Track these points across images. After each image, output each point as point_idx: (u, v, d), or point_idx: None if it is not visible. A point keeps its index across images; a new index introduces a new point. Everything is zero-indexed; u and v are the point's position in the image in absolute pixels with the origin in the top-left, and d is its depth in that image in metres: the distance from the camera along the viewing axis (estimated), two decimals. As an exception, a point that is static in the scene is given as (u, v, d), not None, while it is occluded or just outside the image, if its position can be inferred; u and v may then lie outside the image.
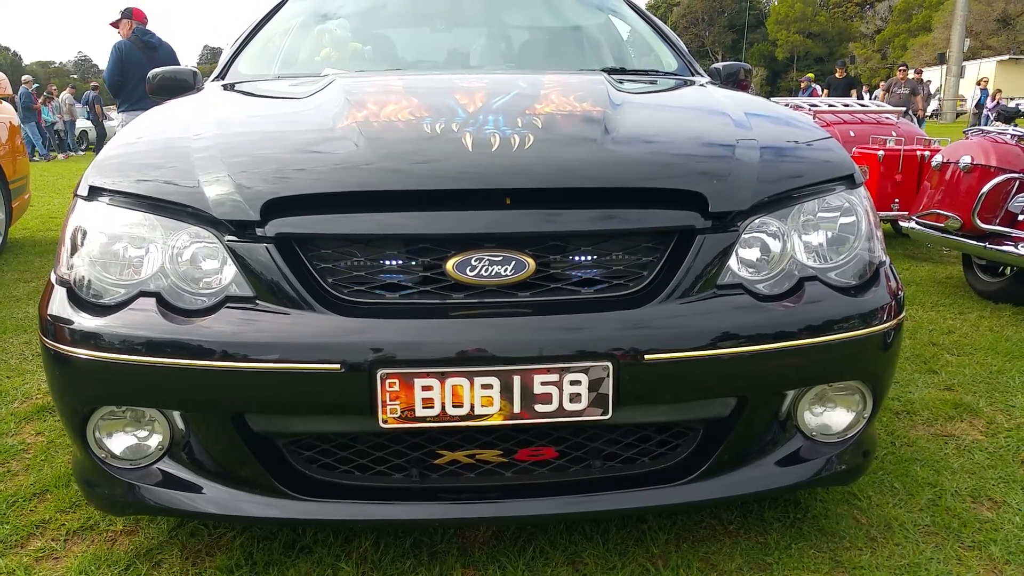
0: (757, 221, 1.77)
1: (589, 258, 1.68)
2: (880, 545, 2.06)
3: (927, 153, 5.71)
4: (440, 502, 1.67)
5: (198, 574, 1.92)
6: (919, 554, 2.02)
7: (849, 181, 1.91)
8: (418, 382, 1.55)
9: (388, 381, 1.54)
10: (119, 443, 1.72)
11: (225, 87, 2.73)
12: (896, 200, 5.80)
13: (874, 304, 1.79)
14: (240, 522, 1.88)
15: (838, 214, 1.87)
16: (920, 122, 15.61)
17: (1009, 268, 4.42)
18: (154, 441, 1.72)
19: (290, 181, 1.68)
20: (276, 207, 1.63)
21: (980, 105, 23.98)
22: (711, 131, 2.02)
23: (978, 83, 26.39)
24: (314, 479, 1.71)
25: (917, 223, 4.80)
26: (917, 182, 5.72)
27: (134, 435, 1.73)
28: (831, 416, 1.88)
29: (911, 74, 16.56)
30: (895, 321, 1.84)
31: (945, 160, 4.62)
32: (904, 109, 8.85)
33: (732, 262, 1.72)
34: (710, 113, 2.26)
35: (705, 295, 1.68)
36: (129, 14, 6.62)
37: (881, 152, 5.73)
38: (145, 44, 6.54)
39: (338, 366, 1.54)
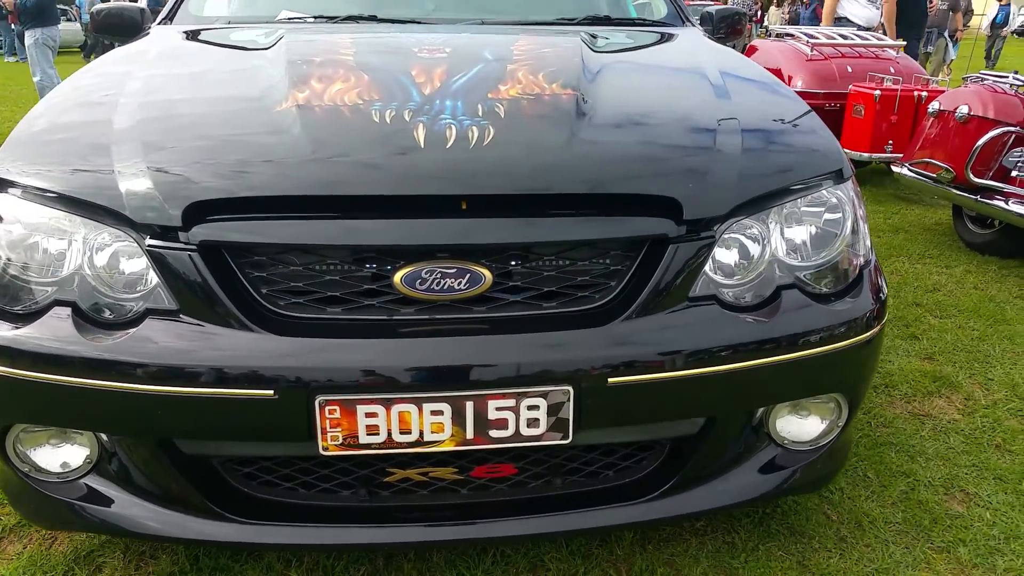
0: (736, 224, 1.65)
1: (552, 270, 1.57)
2: (850, 546, 2.03)
3: (925, 94, 5.54)
4: (391, 525, 1.60)
5: (140, 582, 1.86)
6: (888, 557, 2.00)
7: (838, 176, 1.79)
8: (361, 408, 1.45)
9: (328, 408, 1.45)
10: (42, 457, 1.63)
11: (168, 35, 2.52)
12: (890, 142, 5.66)
13: (856, 312, 1.70)
14: (171, 542, 1.81)
15: (823, 211, 1.76)
16: (955, 45, 13.12)
17: (998, 221, 4.34)
18: (79, 455, 1.62)
19: (217, 181, 1.53)
20: (201, 210, 1.49)
21: (997, 25, 17.59)
22: (691, 113, 1.87)
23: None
24: (253, 498, 1.63)
25: (909, 170, 4.68)
26: (913, 123, 5.57)
27: (58, 449, 1.63)
28: (804, 425, 1.82)
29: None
30: (878, 328, 1.75)
31: (942, 108, 4.46)
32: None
33: (707, 268, 1.61)
34: (692, 85, 2.10)
35: (676, 308, 1.58)
36: None
37: (877, 92, 5.55)
38: None
39: (271, 392, 1.44)
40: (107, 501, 1.63)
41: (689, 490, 1.70)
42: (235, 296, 1.50)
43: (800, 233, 1.73)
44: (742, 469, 1.75)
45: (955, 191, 4.37)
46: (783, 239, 1.70)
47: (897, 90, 5.61)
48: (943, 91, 5.01)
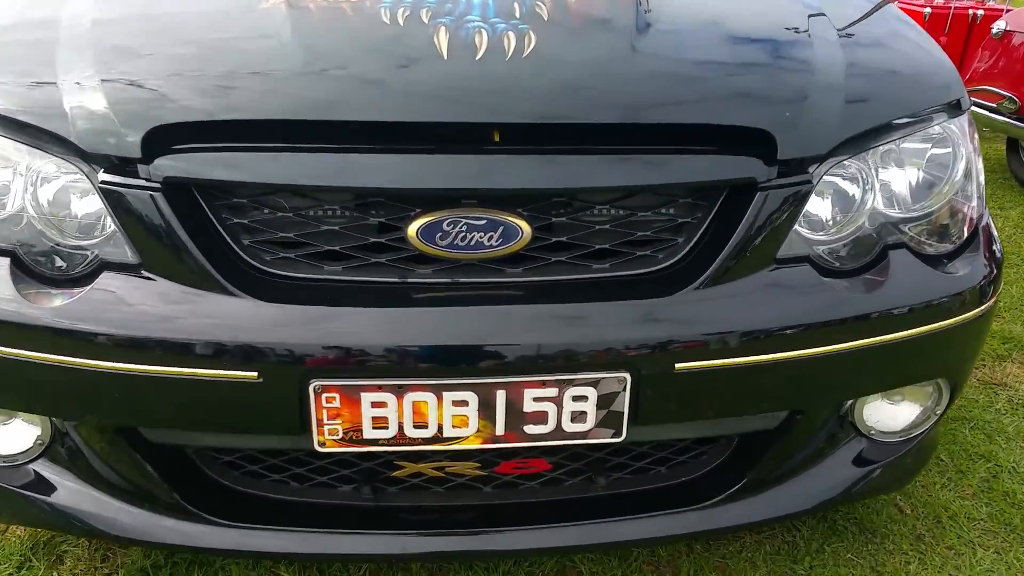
0: (836, 165, 1.32)
1: (605, 222, 1.25)
2: (929, 548, 1.76)
3: (980, 12, 5.07)
4: (399, 532, 1.32)
5: (108, 575, 1.60)
6: (976, 564, 1.72)
7: (954, 108, 1.45)
8: (367, 397, 1.16)
9: (326, 396, 1.15)
10: (-19, 436, 1.34)
11: None
12: (940, 65, 5.22)
13: (974, 278, 1.39)
14: (134, 544, 1.54)
15: (933, 150, 1.42)
16: None
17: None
18: (28, 436, 1.34)
19: (186, 99, 1.21)
20: (165, 137, 1.17)
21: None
22: (781, 24, 1.50)
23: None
24: (234, 492, 1.35)
25: (964, 100, 4.27)
26: (964, 45, 5.12)
27: (1, 427, 1.34)
28: (896, 412, 1.52)
29: None
30: (994, 299, 1.43)
31: (1008, 28, 4.03)
32: None
33: (798, 224, 1.29)
34: None
35: (762, 274, 1.26)
36: None
37: (928, 9, 5.09)
38: None
39: (254, 374, 1.13)
40: (58, 492, 1.34)
41: (759, 493, 1.41)
42: (209, 248, 1.19)
43: (905, 178, 1.40)
44: (822, 467, 1.47)
45: (1018, 124, 3.97)
46: (884, 185, 1.37)
47: (950, 7, 5.14)
48: (1002, 10, 4.56)
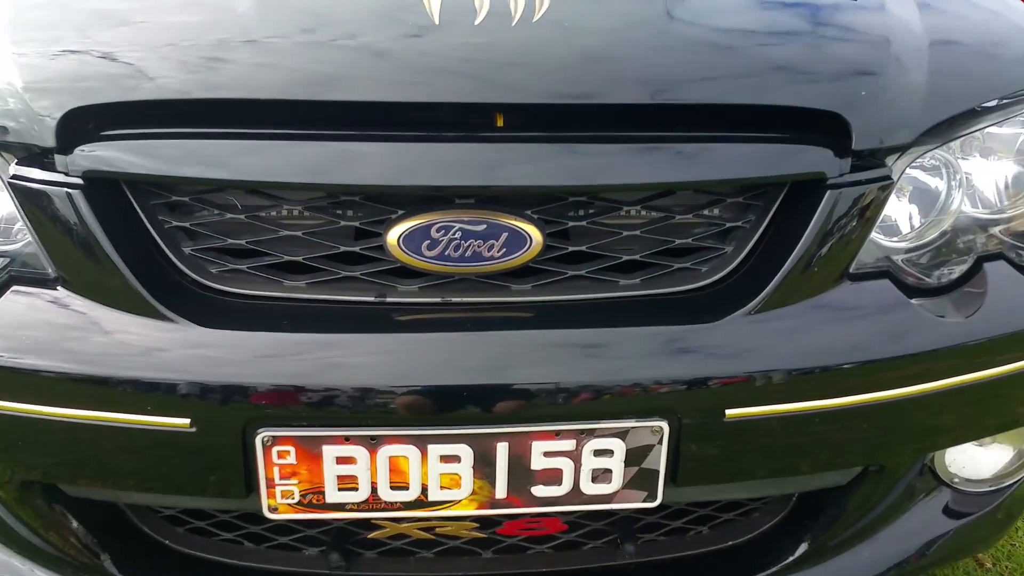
0: (917, 158, 1.06)
1: (635, 227, 1.01)
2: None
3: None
4: None
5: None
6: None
7: None
8: (330, 451, 0.91)
9: (277, 450, 0.90)
10: None
11: None
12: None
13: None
14: None
15: None
16: None
17: None
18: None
19: (115, 75, 0.97)
20: (88, 122, 0.94)
21: None
22: None
23: None
24: (174, 555, 1.10)
25: None
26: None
27: None
28: (985, 457, 1.26)
29: None
30: None
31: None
32: None
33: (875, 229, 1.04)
34: None
35: (832, 293, 1.01)
36: None
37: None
38: None
39: (186, 422, 0.89)
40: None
41: (822, 562, 1.14)
42: (138, 259, 0.96)
43: (999, 171, 1.14)
44: (896, 526, 1.20)
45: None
46: (971, 180, 1.13)
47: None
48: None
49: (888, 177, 1.03)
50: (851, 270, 1.04)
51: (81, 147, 0.93)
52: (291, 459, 0.91)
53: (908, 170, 1.08)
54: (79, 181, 0.93)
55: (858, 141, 1.00)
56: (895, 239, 1.10)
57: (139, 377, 0.91)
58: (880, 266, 1.07)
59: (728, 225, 1.04)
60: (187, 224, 0.99)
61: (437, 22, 0.99)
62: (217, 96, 0.94)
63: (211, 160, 0.93)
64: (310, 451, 0.91)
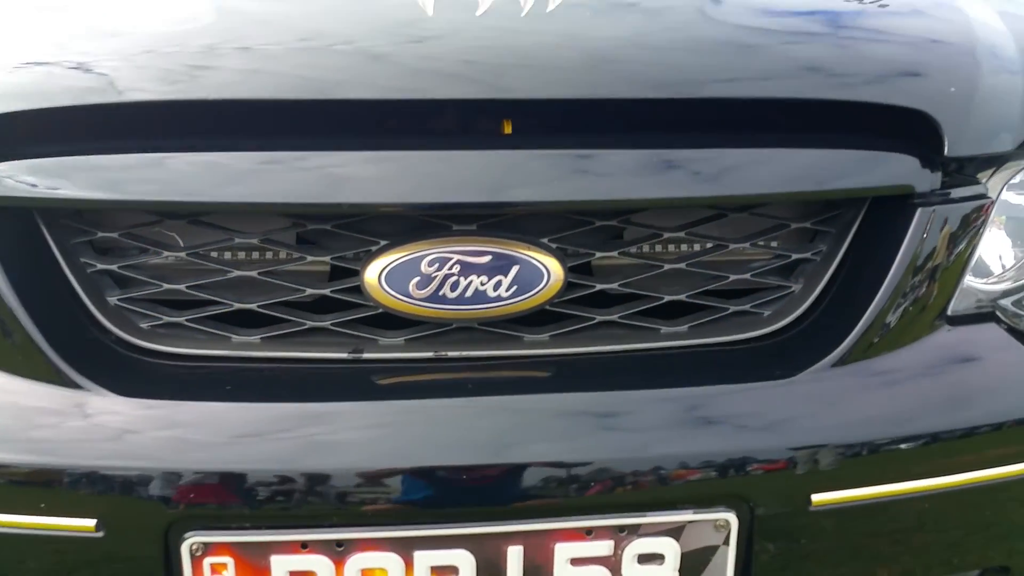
0: (1015, 174, 0.86)
1: (678, 258, 0.79)
2: None
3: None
4: None
5: None
6: None
7: None
8: (281, 564, 0.68)
9: (211, 562, 0.67)
10: None
11: None
12: None
13: None
14: None
15: None
16: None
17: None
18: None
19: (25, 78, 0.77)
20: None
21: None
22: None
23: None
24: None
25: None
26: None
27: None
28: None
29: None
30: None
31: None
32: None
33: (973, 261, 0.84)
34: None
35: (931, 340, 0.80)
36: None
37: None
38: None
39: (91, 524, 0.67)
40: None
41: None
42: (49, 308, 0.76)
43: None
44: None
45: None
46: None
47: None
48: None
49: (986, 195, 0.83)
50: (950, 311, 0.83)
51: None
52: (229, 574, 0.68)
53: (1003, 191, 0.88)
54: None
55: (951, 147, 0.80)
56: (991, 280, 0.89)
57: (29, 463, 0.68)
58: (981, 308, 0.85)
59: (795, 257, 0.83)
60: (114, 267, 0.78)
61: (431, 13, 0.81)
62: (155, 99, 0.75)
63: (142, 184, 0.73)
64: (254, 564, 0.68)
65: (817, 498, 0.72)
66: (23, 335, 0.73)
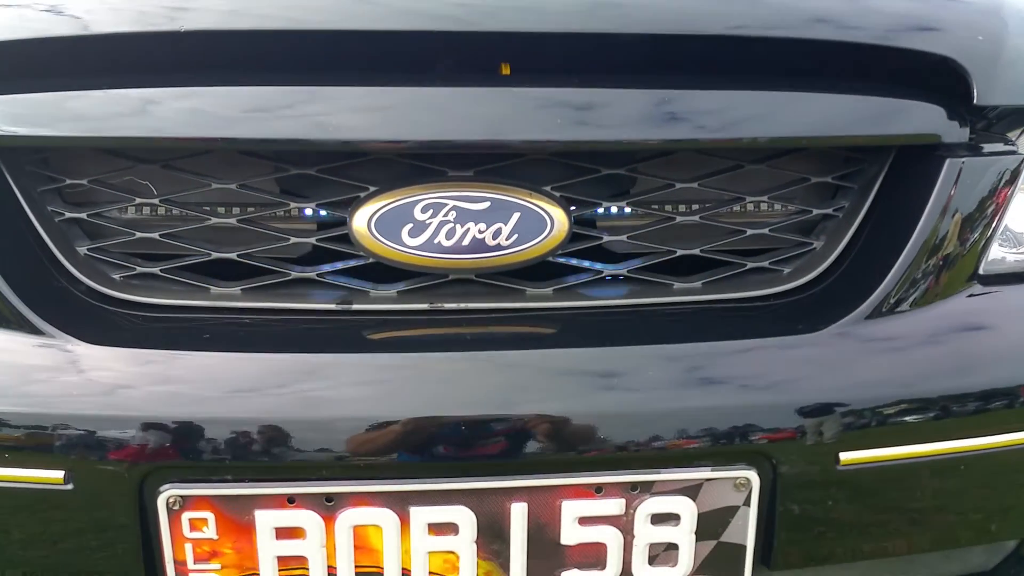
0: None
1: (693, 209, 0.75)
2: None
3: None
4: None
5: None
6: None
7: None
8: (266, 518, 0.63)
9: (189, 517, 0.62)
10: None
11: None
12: None
13: None
14: None
15: None
16: None
17: None
18: None
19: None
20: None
21: None
22: None
23: None
24: None
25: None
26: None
27: None
28: None
29: None
30: None
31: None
32: None
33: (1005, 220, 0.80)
34: None
35: (961, 298, 0.75)
36: None
37: None
38: None
39: (59, 476, 0.62)
40: None
41: None
42: (15, 258, 0.71)
43: None
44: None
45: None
46: None
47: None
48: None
49: (1017, 152, 0.80)
50: (980, 270, 0.79)
51: None
52: (209, 531, 0.63)
53: None
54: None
55: (980, 96, 0.77)
56: (1019, 250, 0.85)
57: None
58: (1015, 268, 0.81)
59: (815, 213, 0.79)
60: (83, 215, 0.74)
61: None
62: (119, 29, 0.70)
63: (110, 119, 0.69)
64: (237, 519, 0.63)
65: (846, 456, 0.67)
66: (-13, 278, 0.69)
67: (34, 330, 0.68)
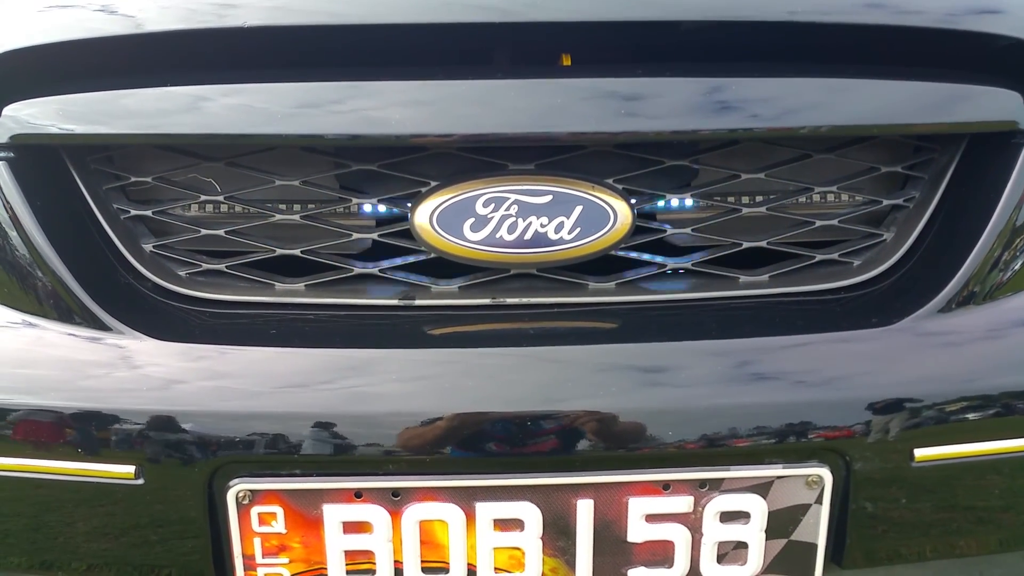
0: None
1: (757, 201, 0.77)
2: None
3: None
4: None
5: None
6: None
7: None
8: (334, 512, 0.66)
9: (259, 511, 0.65)
10: None
11: None
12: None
13: None
14: None
15: None
16: None
17: None
18: None
19: (55, 9, 0.77)
20: (20, 70, 0.74)
21: None
22: None
23: None
24: None
25: None
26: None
27: None
28: None
29: None
30: None
31: None
32: None
33: None
34: None
35: (1039, 289, 0.76)
36: None
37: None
38: None
39: (131, 471, 0.66)
40: None
41: None
42: (82, 255, 0.75)
43: None
44: None
45: None
46: None
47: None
48: None
49: None
50: (1062, 261, 0.79)
51: (11, 105, 0.73)
52: (278, 525, 0.66)
53: None
54: (8, 153, 0.73)
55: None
56: None
57: (66, 407, 0.67)
58: None
59: (885, 203, 0.80)
60: (148, 213, 0.78)
61: None
62: (178, 29, 0.74)
63: (181, 117, 0.73)
64: (305, 513, 0.66)
65: (920, 453, 0.68)
66: (56, 279, 0.73)
67: (102, 326, 0.72)
